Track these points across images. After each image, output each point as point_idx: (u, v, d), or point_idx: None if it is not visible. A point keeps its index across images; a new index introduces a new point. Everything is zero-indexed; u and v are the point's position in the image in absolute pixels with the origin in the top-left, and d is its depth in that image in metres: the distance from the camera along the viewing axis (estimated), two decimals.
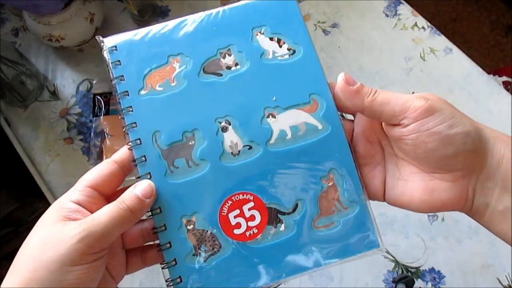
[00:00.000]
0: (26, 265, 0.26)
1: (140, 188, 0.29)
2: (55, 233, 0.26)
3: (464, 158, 0.29)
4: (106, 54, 0.33)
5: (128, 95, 0.32)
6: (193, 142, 0.31)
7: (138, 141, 0.31)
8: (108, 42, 0.33)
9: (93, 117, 0.66)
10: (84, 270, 0.26)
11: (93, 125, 0.65)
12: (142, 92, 0.32)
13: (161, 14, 0.73)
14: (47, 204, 0.63)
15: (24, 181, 0.65)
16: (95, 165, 0.62)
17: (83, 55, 0.71)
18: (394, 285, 0.54)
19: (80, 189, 0.29)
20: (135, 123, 0.31)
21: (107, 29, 0.71)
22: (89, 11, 0.65)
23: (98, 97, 0.66)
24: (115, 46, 0.33)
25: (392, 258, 0.58)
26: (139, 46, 0.33)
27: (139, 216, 0.29)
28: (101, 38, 0.33)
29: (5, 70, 0.63)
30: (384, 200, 0.33)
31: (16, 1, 0.61)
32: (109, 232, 0.27)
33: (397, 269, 0.57)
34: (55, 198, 0.62)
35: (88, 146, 0.65)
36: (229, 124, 0.32)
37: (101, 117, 0.65)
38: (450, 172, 0.29)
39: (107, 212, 0.28)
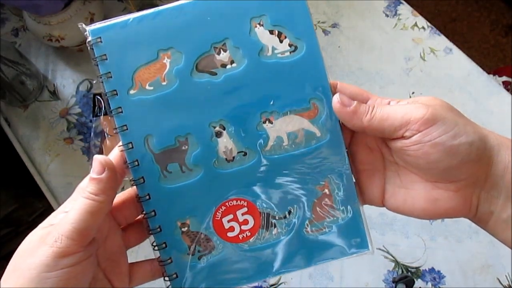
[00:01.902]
0: (11, 274, 0.25)
1: (92, 169, 0.27)
2: (34, 240, 0.26)
3: (468, 168, 0.28)
4: (90, 46, 0.30)
5: (117, 94, 0.30)
6: (186, 147, 0.30)
7: (130, 145, 0.30)
8: (92, 31, 0.30)
9: (93, 117, 0.66)
10: (63, 276, 0.24)
11: (93, 125, 0.65)
12: (132, 91, 0.30)
13: None
14: (47, 204, 0.63)
15: (24, 181, 0.65)
16: None
17: (83, 55, 0.71)
18: (394, 285, 0.54)
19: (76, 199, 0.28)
20: (126, 125, 0.30)
21: None
22: (89, 11, 0.65)
23: (98, 97, 0.66)
24: (100, 37, 0.30)
25: (392, 258, 0.58)
26: (127, 37, 0.30)
27: (109, 196, 0.27)
28: (84, 25, 0.30)
29: (5, 70, 0.63)
30: (383, 205, 0.32)
31: (16, 1, 0.61)
32: (80, 226, 0.25)
33: (397, 269, 0.57)
34: (55, 198, 0.63)
35: (88, 146, 0.65)
36: (224, 129, 0.30)
37: (101, 117, 0.65)
38: (453, 182, 0.29)
39: (73, 207, 0.26)
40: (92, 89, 0.69)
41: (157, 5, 0.31)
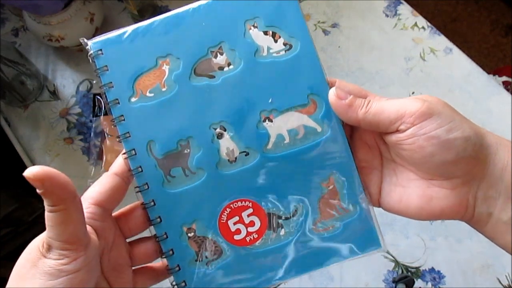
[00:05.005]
0: (17, 282, 0.25)
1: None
2: (33, 250, 0.26)
3: (464, 164, 0.27)
4: (91, 58, 0.31)
5: (119, 103, 0.30)
6: (188, 150, 0.30)
7: (133, 152, 0.30)
8: (93, 45, 0.31)
9: (93, 117, 0.66)
10: (68, 282, 0.24)
11: (93, 125, 0.65)
12: (133, 99, 0.30)
13: (161, 14, 0.73)
14: None
15: (24, 181, 0.64)
16: (95, 165, 0.62)
17: (83, 55, 0.71)
18: (394, 285, 0.54)
19: (84, 206, 0.28)
20: (128, 133, 0.30)
21: (107, 29, 0.71)
22: (89, 11, 0.65)
23: (98, 97, 0.66)
24: (101, 50, 0.31)
25: (392, 258, 0.58)
26: (126, 47, 0.31)
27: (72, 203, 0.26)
28: (85, 40, 0.31)
29: (5, 70, 0.63)
30: (379, 205, 0.32)
31: (16, 1, 0.61)
32: (69, 230, 0.25)
33: (397, 269, 0.57)
34: None
35: (88, 146, 0.65)
36: (224, 130, 0.30)
37: (101, 117, 0.65)
38: (449, 179, 0.28)
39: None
40: (92, 89, 0.69)
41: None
